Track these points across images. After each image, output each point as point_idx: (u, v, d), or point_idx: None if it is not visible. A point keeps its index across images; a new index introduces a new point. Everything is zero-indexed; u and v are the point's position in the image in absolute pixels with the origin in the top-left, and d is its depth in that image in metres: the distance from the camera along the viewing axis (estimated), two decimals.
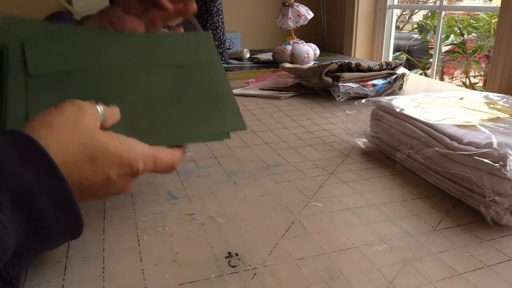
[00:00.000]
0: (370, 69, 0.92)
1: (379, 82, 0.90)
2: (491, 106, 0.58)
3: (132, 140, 0.35)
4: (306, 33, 1.81)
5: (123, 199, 0.46)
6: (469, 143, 0.44)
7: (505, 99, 0.61)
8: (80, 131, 0.32)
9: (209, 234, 0.39)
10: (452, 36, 2.91)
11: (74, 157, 0.31)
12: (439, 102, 0.60)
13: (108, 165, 0.33)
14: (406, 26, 4.35)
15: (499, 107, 0.58)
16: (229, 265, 0.35)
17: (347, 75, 0.89)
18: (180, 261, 0.35)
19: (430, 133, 0.49)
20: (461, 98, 0.62)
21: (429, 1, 4.53)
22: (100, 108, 0.35)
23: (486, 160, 0.41)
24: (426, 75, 2.89)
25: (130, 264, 0.35)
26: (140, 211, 0.44)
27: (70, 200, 0.29)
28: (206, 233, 0.39)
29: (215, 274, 0.33)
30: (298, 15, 1.33)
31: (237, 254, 0.36)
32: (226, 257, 0.36)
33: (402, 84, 0.94)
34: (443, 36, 2.85)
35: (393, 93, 0.93)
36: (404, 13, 4.26)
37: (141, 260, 0.35)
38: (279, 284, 0.32)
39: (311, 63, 1.32)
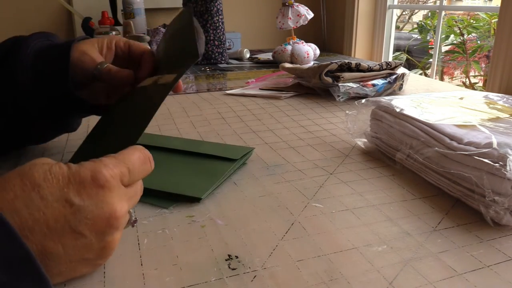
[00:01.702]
0: (370, 69, 0.92)
1: (379, 82, 0.90)
2: (491, 106, 0.58)
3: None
4: (306, 33, 1.81)
5: None
6: (469, 143, 0.44)
7: (505, 99, 0.61)
8: (19, 169, 0.29)
9: (209, 237, 0.39)
10: (452, 36, 2.91)
11: (12, 191, 0.28)
12: (439, 102, 0.60)
13: (59, 188, 0.29)
14: (406, 26, 4.35)
15: (499, 107, 0.58)
16: (229, 267, 0.35)
17: (347, 75, 0.89)
18: (180, 265, 0.35)
19: (430, 133, 0.49)
20: (461, 98, 0.62)
21: (429, 1, 4.53)
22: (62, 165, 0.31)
23: (486, 160, 0.41)
24: (426, 75, 2.88)
25: (131, 269, 0.35)
26: (140, 213, 0.44)
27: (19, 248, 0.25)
28: (206, 236, 0.39)
29: (215, 277, 0.33)
30: (298, 15, 1.33)
31: (237, 257, 0.36)
32: (226, 260, 0.36)
33: (402, 84, 0.94)
34: (443, 36, 2.85)
35: (393, 93, 0.93)
36: (404, 13, 4.26)
37: (141, 264, 0.35)
38: (279, 286, 0.32)
39: (311, 63, 1.32)
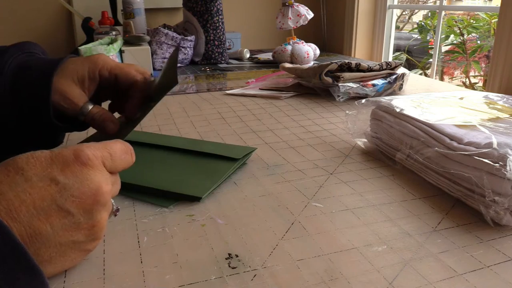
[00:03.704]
0: (370, 69, 0.92)
1: (379, 82, 0.90)
2: (491, 106, 0.58)
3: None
4: (306, 33, 1.82)
5: (123, 200, 0.46)
6: (469, 143, 0.44)
7: (505, 99, 0.61)
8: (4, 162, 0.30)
9: (209, 235, 0.39)
10: (452, 36, 2.91)
11: None
12: (439, 102, 0.60)
13: (42, 168, 0.29)
14: (406, 26, 4.35)
15: (499, 107, 0.58)
16: (229, 266, 0.35)
17: (347, 75, 0.89)
18: (180, 263, 0.35)
19: (430, 133, 0.49)
20: (461, 98, 0.62)
21: (429, 1, 4.53)
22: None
23: (486, 160, 0.41)
24: (426, 75, 2.88)
25: (131, 266, 0.35)
26: (140, 212, 0.44)
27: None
28: (206, 234, 0.39)
29: (215, 276, 0.34)
30: (298, 15, 1.34)
31: (237, 256, 0.36)
32: (226, 259, 0.36)
33: (402, 84, 0.94)
34: (443, 36, 2.85)
35: (393, 93, 0.93)
36: (404, 13, 4.26)
37: (141, 262, 0.35)
38: (279, 285, 0.32)
39: (311, 63, 1.32)
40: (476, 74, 2.97)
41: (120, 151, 0.35)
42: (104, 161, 0.33)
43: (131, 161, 0.37)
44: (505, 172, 0.39)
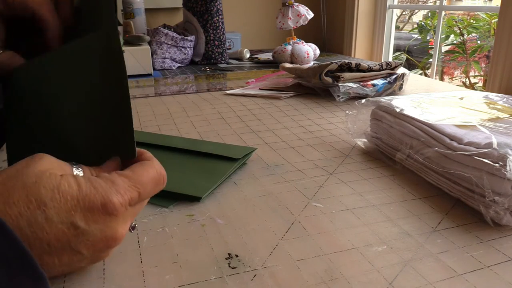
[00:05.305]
0: (370, 69, 0.92)
1: (379, 82, 0.90)
2: (491, 106, 0.58)
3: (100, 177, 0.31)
4: (306, 33, 1.81)
5: None
6: (469, 143, 0.44)
7: (505, 99, 0.61)
8: (23, 175, 0.28)
9: (209, 235, 0.39)
10: (452, 36, 2.91)
11: (17, 207, 0.27)
12: (439, 102, 0.60)
13: (66, 209, 0.28)
14: (406, 26, 4.35)
15: (499, 107, 0.58)
16: (229, 266, 0.35)
17: (347, 75, 0.89)
18: (180, 263, 0.35)
19: (430, 133, 0.49)
20: (461, 98, 0.62)
21: (429, 1, 4.53)
22: (75, 168, 0.31)
23: (486, 160, 0.41)
24: (426, 75, 2.88)
25: (130, 266, 0.35)
26: (140, 212, 0.43)
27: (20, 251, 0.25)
28: (206, 234, 0.39)
29: (215, 276, 0.34)
30: (298, 15, 1.34)
31: (237, 256, 0.36)
32: (226, 259, 0.36)
33: (402, 84, 0.94)
34: (443, 36, 2.85)
35: (393, 93, 0.93)
36: (404, 13, 4.26)
37: (141, 262, 0.35)
38: (279, 285, 0.32)
39: (311, 63, 1.32)
40: (476, 74, 2.97)
41: (151, 185, 0.33)
42: (131, 202, 0.31)
43: (162, 188, 0.35)
44: (505, 172, 0.39)
